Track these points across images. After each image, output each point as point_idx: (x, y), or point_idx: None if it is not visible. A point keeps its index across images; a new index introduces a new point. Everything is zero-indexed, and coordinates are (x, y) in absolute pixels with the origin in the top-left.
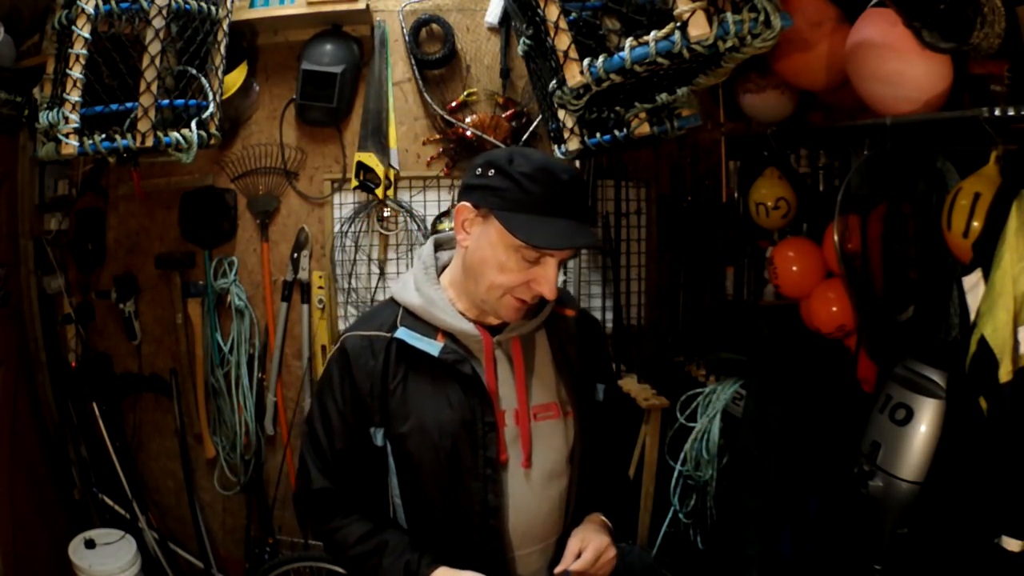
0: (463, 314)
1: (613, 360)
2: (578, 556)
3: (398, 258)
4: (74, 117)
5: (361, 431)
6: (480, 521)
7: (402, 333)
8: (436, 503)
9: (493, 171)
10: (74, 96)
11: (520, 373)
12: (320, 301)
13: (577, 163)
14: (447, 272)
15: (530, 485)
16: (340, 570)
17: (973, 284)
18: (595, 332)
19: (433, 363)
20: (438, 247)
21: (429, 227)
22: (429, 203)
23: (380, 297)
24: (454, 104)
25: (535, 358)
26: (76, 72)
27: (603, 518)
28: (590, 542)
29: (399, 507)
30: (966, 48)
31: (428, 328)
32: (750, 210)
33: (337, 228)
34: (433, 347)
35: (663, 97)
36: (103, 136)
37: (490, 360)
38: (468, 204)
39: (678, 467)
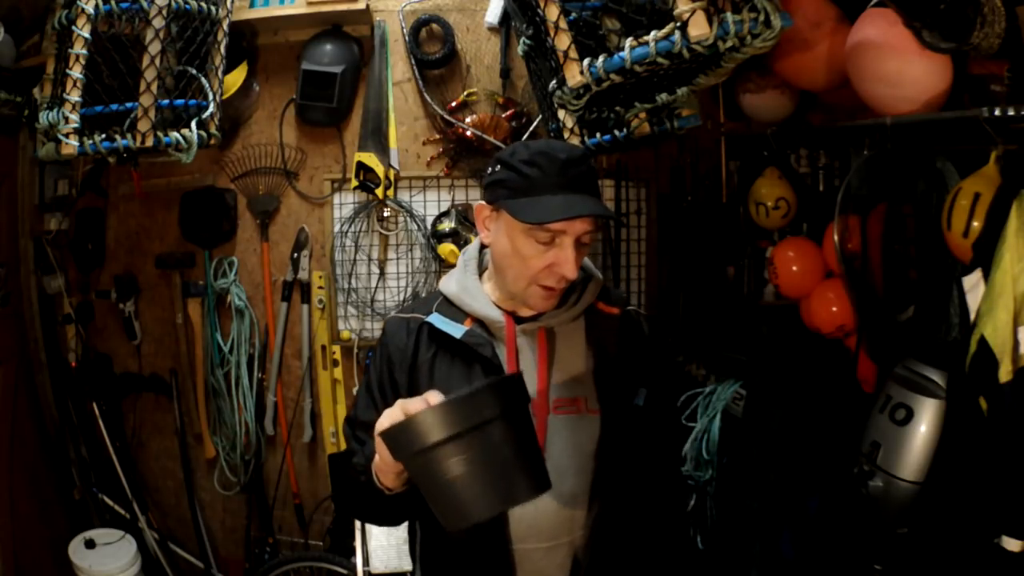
0: (497, 304)
1: None
2: None
3: (398, 258)
4: (74, 117)
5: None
6: None
7: (433, 317)
8: None
9: (499, 166)
10: (74, 96)
11: (542, 363)
12: (320, 301)
13: None
14: (489, 267)
15: None
16: (341, 570)
17: (973, 284)
18: (640, 334)
19: (459, 346)
20: (484, 244)
21: (429, 227)
22: (429, 203)
23: (380, 297)
24: (454, 104)
25: (567, 351)
26: (76, 72)
27: None
28: None
29: None
30: (966, 48)
31: (459, 313)
32: (750, 210)
33: (337, 228)
34: (458, 330)
35: (663, 97)
36: (103, 136)
37: (512, 346)
38: (483, 202)
39: None
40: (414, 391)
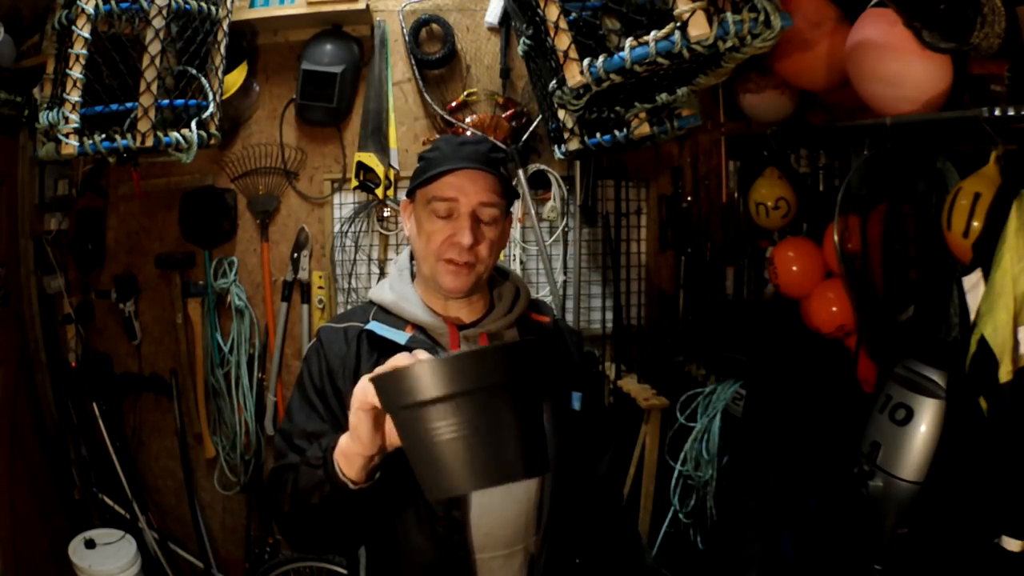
0: (432, 309)
1: (612, 361)
2: None
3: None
4: (74, 117)
5: (337, 412)
6: (444, 512)
7: (372, 325)
8: (401, 489)
9: (418, 163)
10: (74, 96)
11: None
12: (320, 301)
13: (577, 163)
14: (418, 272)
15: None
16: (340, 570)
17: (973, 284)
18: (570, 341)
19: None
20: (414, 255)
21: None
22: None
23: None
24: (454, 104)
25: None
26: (76, 72)
27: None
28: None
29: None
30: (966, 48)
31: (398, 321)
32: (750, 210)
33: (337, 228)
34: (400, 337)
35: (663, 97)
36: (103, 136)
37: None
38: (404, 199)
39: (678, 467)
40: None
